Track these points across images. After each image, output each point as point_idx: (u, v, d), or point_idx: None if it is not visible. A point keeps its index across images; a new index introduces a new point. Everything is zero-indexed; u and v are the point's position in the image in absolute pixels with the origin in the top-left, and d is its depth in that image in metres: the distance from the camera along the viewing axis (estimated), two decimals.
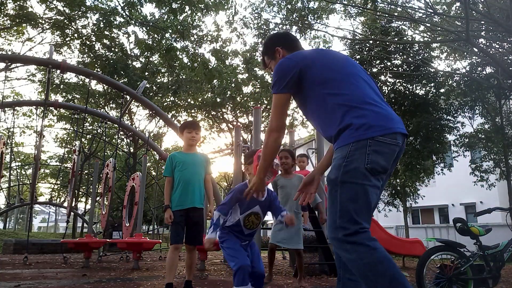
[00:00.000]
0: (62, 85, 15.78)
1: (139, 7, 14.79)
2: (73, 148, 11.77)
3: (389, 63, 12.03)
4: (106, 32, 14.92)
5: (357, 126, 1.64)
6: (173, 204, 3.32)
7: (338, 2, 12.39)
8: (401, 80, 11.76)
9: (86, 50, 15.19)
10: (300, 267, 4.20)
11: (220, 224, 2.37)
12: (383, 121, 1.66)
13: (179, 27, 14.87)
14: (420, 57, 11.61)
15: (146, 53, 15.84)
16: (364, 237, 1.56)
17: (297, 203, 4.00)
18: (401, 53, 11.94)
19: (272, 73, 2.08)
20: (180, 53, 15.96)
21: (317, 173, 2.06)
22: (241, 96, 17.02)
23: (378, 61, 12.15)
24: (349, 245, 1.56)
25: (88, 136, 17.33)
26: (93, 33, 14.96)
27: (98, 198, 8.65)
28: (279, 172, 4.45)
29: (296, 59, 1.87)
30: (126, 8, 14.75)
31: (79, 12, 14.35)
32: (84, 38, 14.94)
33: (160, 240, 10.16)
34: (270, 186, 3.76)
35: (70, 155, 19.74)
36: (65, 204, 15.72)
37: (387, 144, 1.63)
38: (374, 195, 1.63)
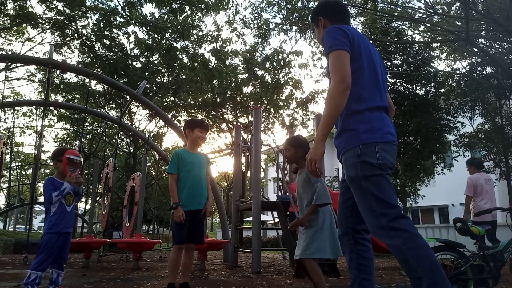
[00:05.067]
0: (62, 85, 15.77)
1: (139, 7, 14.80)
2: (73, 148, 11.77)
3: (389, 63, 12.02)
4: (106, 32, 14.91)
5: (361, 131, 1.80)
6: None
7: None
8: (401, 80, 11.75)
9: (86, 50, 15.19)
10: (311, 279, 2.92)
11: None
12: (384, 127, 1.84)
13: (179, 27, 14.87)
14: (420, 57, 11.60)
15: (146, 53, 15.84)
16: (407, 223, 1.67)
17: (309, 202, 2.99)
18: (401, 53, 11.93)
19: (315, 38, 2.25)
20: (180, 53, 15.96)
21: None
22: (241, 96, 17.00)
23: None
24: (393, 231, 1.66)
25: (88, 136, 17.33)
26: (93, 33, 14.95)
27: (98, 198, 8.65)
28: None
29: (347, 30, 1.89)
30: (126, 8, 14.75)
31: (79, 12, 14.34)
32: (84, 38, 14.94)
33: (160, 240, 10.15)
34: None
35: None
36: None
37: (389, 143, 1.82)
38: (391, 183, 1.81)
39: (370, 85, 1.86)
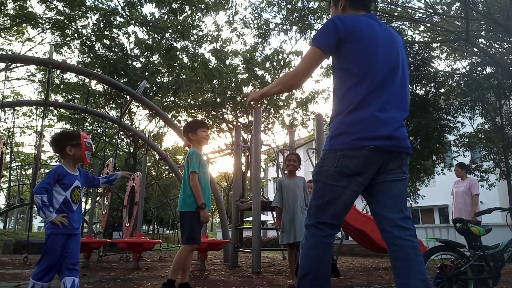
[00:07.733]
0: (62, 85, 15.77)
1: (139, 7, 14.79)
2: None
3: None
4: (106, 32, 14.90)
5: (331, 136, 1.82)
6: (193, 206, 3.26)
7: None
8: None
9: (86, 50, 15.18)
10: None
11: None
12: (359, 132, 1.75)
13: (179, 27, 14.86)
14: (420, 57, 11.60)
15: (146, 53, 15.83)
16: (314, 233, 1.79)
17: (303, 200, 4.29)
18: None
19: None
20: (180, 53, 15.95)
21: None
22: (241, 96, 17.02)
23: None
24: (306, 232, 1.83)
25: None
26: (93, 33, 14.95)
27: (98, 198, 8.65)
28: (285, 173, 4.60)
29: (340, 26, 1.80)
30: (126, 8, 14.75)
31: (79, 12, 14.34)
32: (84, 38, 14.93)
33: (160, 240, 10.15)
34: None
35: None
36: None
37: (357, 149, 1.74)
38: (345, 195, 1.78)
39: (362, 85, 1.74)
